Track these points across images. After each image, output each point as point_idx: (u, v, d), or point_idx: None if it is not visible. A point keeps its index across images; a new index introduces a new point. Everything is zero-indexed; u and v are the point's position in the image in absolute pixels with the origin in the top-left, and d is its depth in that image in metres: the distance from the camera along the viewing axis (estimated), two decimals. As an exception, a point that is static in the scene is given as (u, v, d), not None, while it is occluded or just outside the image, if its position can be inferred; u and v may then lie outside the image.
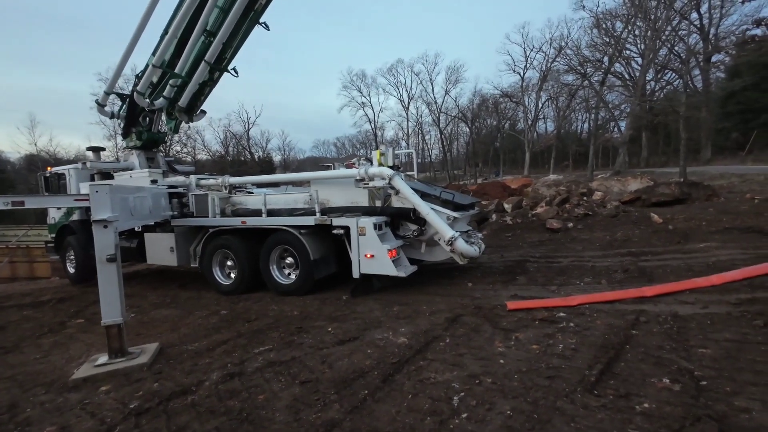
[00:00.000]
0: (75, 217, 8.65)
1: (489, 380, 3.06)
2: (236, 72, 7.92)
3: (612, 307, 4.52)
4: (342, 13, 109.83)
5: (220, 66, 7.61)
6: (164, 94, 7.82)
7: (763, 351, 3.18)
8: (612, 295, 4.82)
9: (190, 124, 8.94)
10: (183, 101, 7.85)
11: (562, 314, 4.38)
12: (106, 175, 8.42)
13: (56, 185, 8.92)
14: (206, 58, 7.17)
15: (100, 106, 8.87)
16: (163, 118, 8.87)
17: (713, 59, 32.53)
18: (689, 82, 31.06)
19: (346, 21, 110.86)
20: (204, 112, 8.72)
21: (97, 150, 9.35)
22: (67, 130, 76.19)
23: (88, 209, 4.39)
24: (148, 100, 7.92)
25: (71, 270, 8.77)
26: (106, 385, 3.52)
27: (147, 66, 8.03)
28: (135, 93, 7.77)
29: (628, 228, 9.37)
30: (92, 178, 8.39)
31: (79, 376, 3.68)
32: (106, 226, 3.88)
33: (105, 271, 3.89)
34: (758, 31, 16.62)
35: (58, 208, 8.92)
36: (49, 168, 9.51)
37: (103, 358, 3.94)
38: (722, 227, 8.39)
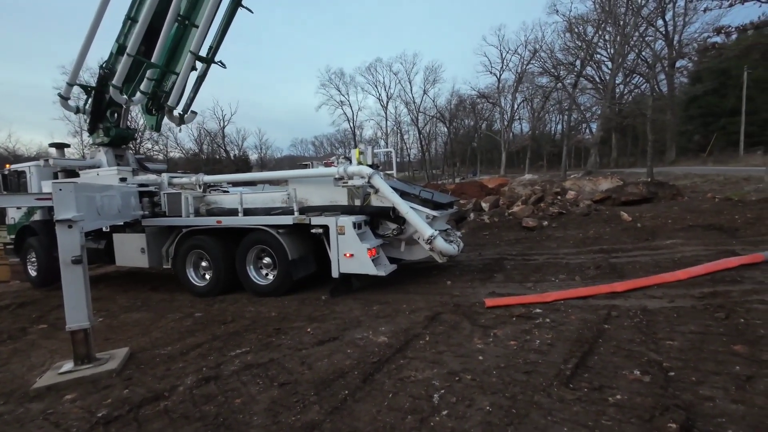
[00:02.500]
0: (36, 217, 8.22)
1: (468, 377, 3.09)
2: (223, 64, 7.70)
3: (585, 302, 4.66)
4: (319, 10, 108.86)
5: (206, 57, 7.33)
6: (141, 88, 7.36)
7: (724, 342, 3.34)
8: (585, 291, 4.96)
9: (182, 126, 8.55)
10: (172, 100, 7.47)
11: (538, 310, 4.48)
12: (71, 172, 8.01)
13: (16, 183, 8.43)
14: (192, 48, 6.88)
15: (64, 99, 8.41)
16: (132, 114, 8.53)
17: (677, 65, 34.21)
18: (655, 86, 32.54)
19: (324, 18, 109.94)
20: (195, 113, 8.40)
21: (60, 146, 8.87)
22: (29, 125, 72.13)
23: (50, 209, 4.18)
24: (125, 96, 7.42)
25: (33, 273, 8.33)
26: (72, 394, 3.35)
27: (111, 55, 7.66)
28: (111, 87, 7.25)
29: (599, 226, 9.70)
30: (56, 176, 7.96)
31: (42, 385, 3.48)
32: (70, 227, 3.69)
33: (69, 274, 3.70)
34: (718, 39, 17.54)
35: (18, 208, 8.45)
36: (7, 165, 8.96)
37: (68, 365, 3.74)
38: (686, 225, 8.80)
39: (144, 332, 4.96)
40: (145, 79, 7.34)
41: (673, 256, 6.46)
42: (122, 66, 7.12)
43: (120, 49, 7.53)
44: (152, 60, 7.11)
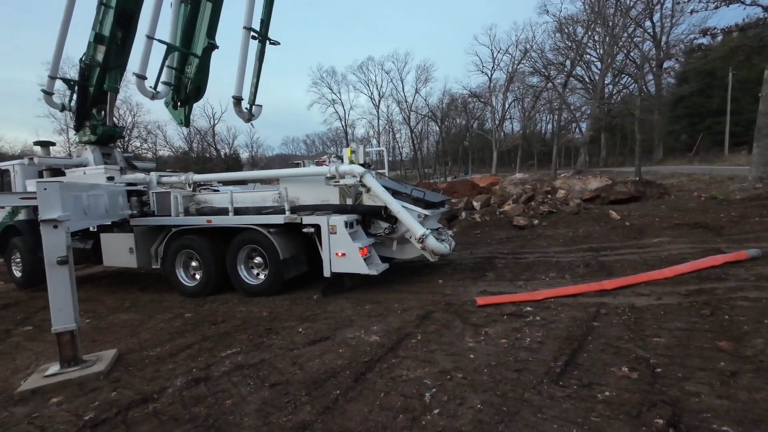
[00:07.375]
0: (21, 216, 8.03)
1: (460, 375, 3.11)
2: (277, 42, 7.64)
3: (575, 300, 4.71)
4: (311, 8, 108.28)
5: (260, 32, 7.11)
6: (163, 79, 6.97)
7: (709, 338, 3.41)
8: (575, 289, 5.02)
9: (251, 121, 8.26)
10: (237, 89, 7.08)
11: (528, 308, 4.52)
12: (57, 171, 7.85)
13: (-1, 182, 8.25)
14: (244, 24, 6.64)
15: (47, 94, 8.21)
16: (121, 111, 8.38)
17: (665, 65, 34.76)
18: (643, 87, 33.01)
19: (315, 16, 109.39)
20: (260, 106, 8.06)
21: (45, 145, 8.70)
22: (12, 123, 70.14)
23: (35, 208, 4.09)
24: (152, 89, 7.00)
25: (17, 274, 8.15)
26: (58, 397, 3.28)
27: (90, 45, 7.44)
28: (136, 78, 6.84)
29: (589, 224, 9.81)
30: (41, 175, 7.80)
31: (27, 388, 3.41)
32: (56, 227, 3.62)
33: (55, 275, 3.63)
34: (704, 40, 17.87)
35: (2, 207, 8.26)
36: None
37: (54, 368, 3.67)
38: (673, 223, 8.94)
39: (132, 333, 4.89)
40: (165, 68, 6.95)
41: (660, 254, 6.56)
42: (144, 51, 6.73)
43: (98, 38, 7.28)
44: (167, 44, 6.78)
